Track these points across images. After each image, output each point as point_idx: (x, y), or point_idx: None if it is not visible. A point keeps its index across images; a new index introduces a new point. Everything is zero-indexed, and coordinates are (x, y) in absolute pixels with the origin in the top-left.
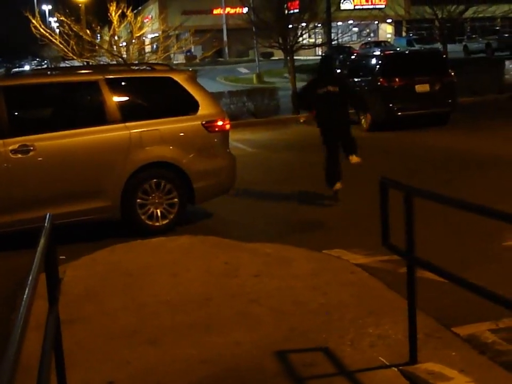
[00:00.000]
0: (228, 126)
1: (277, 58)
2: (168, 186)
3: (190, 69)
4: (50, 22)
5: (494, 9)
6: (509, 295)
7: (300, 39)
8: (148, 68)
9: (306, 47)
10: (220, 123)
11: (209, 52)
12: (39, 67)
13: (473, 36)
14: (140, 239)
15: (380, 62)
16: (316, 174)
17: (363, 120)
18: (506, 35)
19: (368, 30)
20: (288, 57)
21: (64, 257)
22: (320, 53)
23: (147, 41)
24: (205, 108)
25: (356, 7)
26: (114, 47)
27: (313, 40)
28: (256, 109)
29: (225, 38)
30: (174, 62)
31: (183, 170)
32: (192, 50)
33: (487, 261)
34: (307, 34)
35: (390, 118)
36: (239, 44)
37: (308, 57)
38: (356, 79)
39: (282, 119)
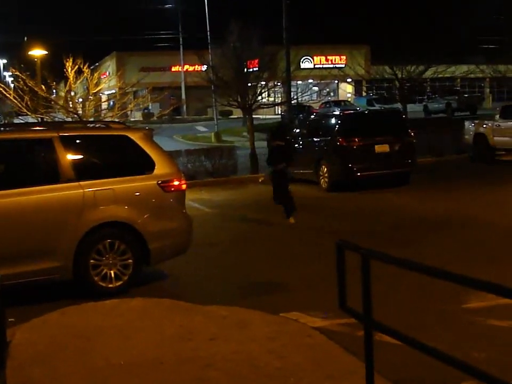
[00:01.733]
0: (184, 186)
1: (235, 116)
2: (123, 247)
3: (147, 127)
4: (4, 76)
5: (454, 70)
6: (469, 358)
7: (259, 97)
8: (103, 126)
9: (265, 106)
10: (176, 183)
11: (167, 109)
12: None
13: (434, 96)
14: (93, 301)
15: (339, 121)
16: (274, 234)
17: (322, 180)
18: (466, 95)
19: (328, 89)
20: (247, 116)
21: (13, 319)
22: (279, 112)
23: (104, 97)
24: (161, 167)
25: (316, 66)
26: (70, 103)
27: (272, 98)
28: (214, 168)
29: (183, 96)
30: (131, 120)
31: (138, 230)
32: (150, 107)
33: (446, 323)
34: (266, 93)
35: (349, 178)
36: (197, 102)
37: (267, 116)
38: (315, 139)
39: (241, 179)
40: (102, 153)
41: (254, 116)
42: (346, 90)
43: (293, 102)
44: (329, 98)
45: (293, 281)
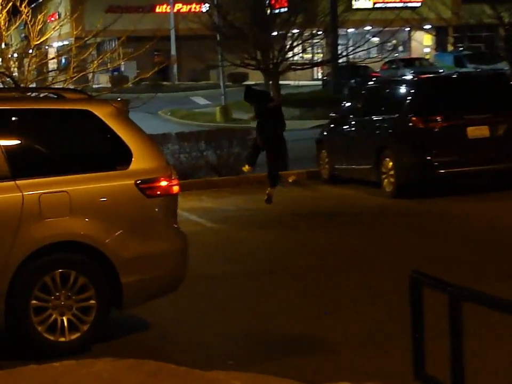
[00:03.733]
0: (175, 188)
1: (252, 82)
2: (82, 281)
3: (119, 98)
4: None
5: None
6: None
7: (289, 54)
8: (51, 96)
9: (299, 67)
10: (163, 183)
11: (148, 71)
12: None
13: None
14: (34, 363)
15: (412, 90)
16: (310, 262)
17: (385, 181)
18: None
19: (395, 41)
20: (271, 82)
21: None
22: (319, 76)
23: (52, 52)
24: (140, 159)
25: (377, 5)
26: (0, 59)
27: (309, 55)
28: (220, 161)
29: (173, 51)
30: (94, 86)
31: (105, 255)
32: (122, 68)
33: None
34: (300, 46)
35: (427, 177)
36: (194, 61)
37: (301, 83)
38: (374, 118)
39: (260, 178)
40: (51, 138)
41: (281, 82)
42: (423, 42)
43: (340, 60)
44: (397, 54)
45: (336, 334)
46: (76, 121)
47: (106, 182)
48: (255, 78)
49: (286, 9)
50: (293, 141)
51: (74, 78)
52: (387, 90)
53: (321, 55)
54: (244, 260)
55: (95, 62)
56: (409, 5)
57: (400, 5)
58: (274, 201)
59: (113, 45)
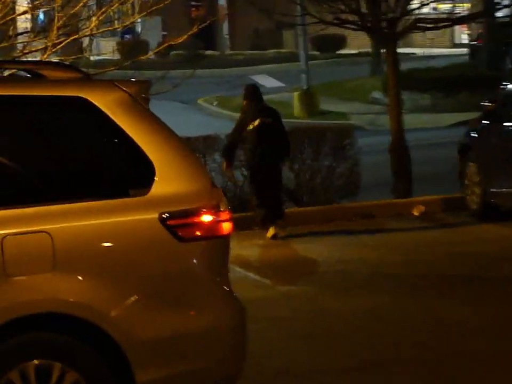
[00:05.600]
0: (226, 226)
1: (352, 51)
2: (71, 379)
3: (134, 78)
4: None
5: None
6: None
7: (414, 2)
8: (24, 75)
9: (431, 25)
10: (206, 218)
11: (181, 34)
12: None
13: None
14: None
15: None
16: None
17: (473, 196)
18: None
19: None
20: (384, 51)
21: None
22: (465, 41)
23: (22, 2)
24: (168, 179)
25: None
26: None
27: (447, 6)
28: (301, 181)
29: (221, 2)
30: (93, 59)
31: (110, 337)
32: (139, 29)
33: None
34: None
35: None
36: (257, 16)
37: (433, 51)
38: None
39: (369, 207)
40: (21, 144)
41: (400, 51)
42: None
43: (500, 13)
44: None
45: None
46: (62, 116)
47: (113, 216)
48: (356, 45)
49: None
50: (419, 148)
51: (60, 46)
52: None
53: (468, 5)
54: (340, 345)
55: (94, 18)
56: None
57: None
58: (388, 249)
59: None
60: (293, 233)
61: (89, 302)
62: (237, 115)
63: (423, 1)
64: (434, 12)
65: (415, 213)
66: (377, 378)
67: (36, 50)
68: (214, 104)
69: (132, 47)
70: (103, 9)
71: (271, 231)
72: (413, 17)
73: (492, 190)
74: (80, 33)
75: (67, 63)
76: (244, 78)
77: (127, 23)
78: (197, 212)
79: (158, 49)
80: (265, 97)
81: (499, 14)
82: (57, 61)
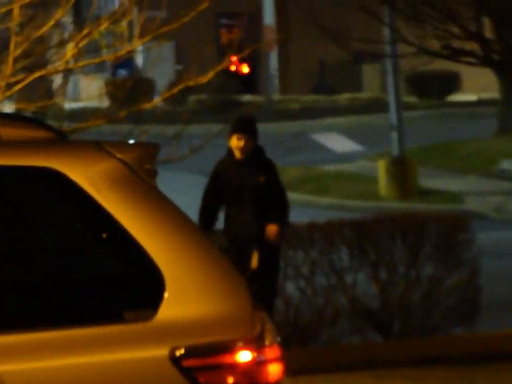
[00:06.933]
0: (274, 370)
1: (471, 98)
2: None
3: (132, 140)
4: None
5: None
6: None
7: None
8: None
9: None
10: (242, 356)
11: (206, 72)
12: None
13: None
14: None
15: None
16: None
17: None
18: None
19: None
20: None
21: None
22: None
23: None
24: (184, 296)
25: None
26: None
27: None
28: (390, 299)
29: (269, 19)
30: (68, 107)
31: None
32: (140, 61)
33: None
34: None
35: None
36: (318, 45)
37: None
38: None
39: (494, 341)
40: None
41: None
42: None
43: None
44: None
45: None
46: (21, 198)
47: (95, 354)
48: (476, 87)
49: None
50: None
51: (18, 86)
52: None
53: None
54: None
55: (71, 44)
56: None
57: None
58: None
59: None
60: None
61: None
62: (294, 195)
63: None
64: None
65: None
66: None
67: None
68: None
69: (129, 88)
70: (85, 31)
71: None
72: None
73: None
74: (49, 67)
75: (29, 114)
76: (303, 138)
77: (122, 52)
78: (228, 348)
79: (170, 93)
80: (332, 168)
81: None
82: (13, 112)
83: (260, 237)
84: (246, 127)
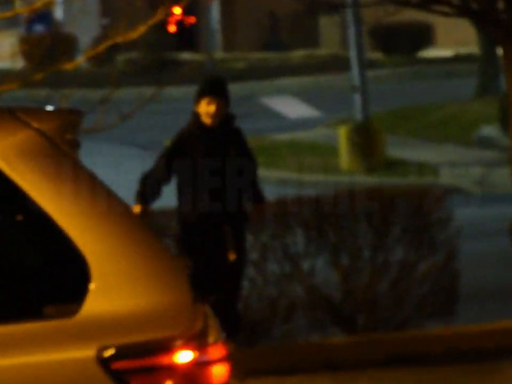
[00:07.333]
0: (218, 372)
1: (446, 54)
2: None
3: (49, 106)
4: None
5: None
6: None
7: None
8: None
9: None
10: (181, 357)
11: (136, 26)
12: None
13: None
14: None
15: None
16: None
17: None
18: None
19: None
20: (504, 53)
21: None
22: None
23: None
24: (113, 287)
25: None
26: None
27: None
28: (353, 289)
29: None
30: None
31: None
32: (60, 15)
33: None
34: None
35: None
36: None
37: None
38: None
39: (474, 337)
40: None
41: None
42: None
43: None
44: None
45: None
46: None
47: (14, 354)
48: (451, 41)
49: None
50: None
51: None
52: None
53: None
54: None
55: None
56: None
57: None
58: None
59: None
60: None
61: None
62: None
63: None
64: None
65: None
66: None
67: None
68: None
69: (47, 46)
70: None
71: None
72: None
73: None
74: None
75: None
76: (250, 102)
77: (38, 3)
78: (165, 347)
79: (94, 52)
80: (284, 137)
81: None
82: None
83: (234, 216)
84: (217, 90)
